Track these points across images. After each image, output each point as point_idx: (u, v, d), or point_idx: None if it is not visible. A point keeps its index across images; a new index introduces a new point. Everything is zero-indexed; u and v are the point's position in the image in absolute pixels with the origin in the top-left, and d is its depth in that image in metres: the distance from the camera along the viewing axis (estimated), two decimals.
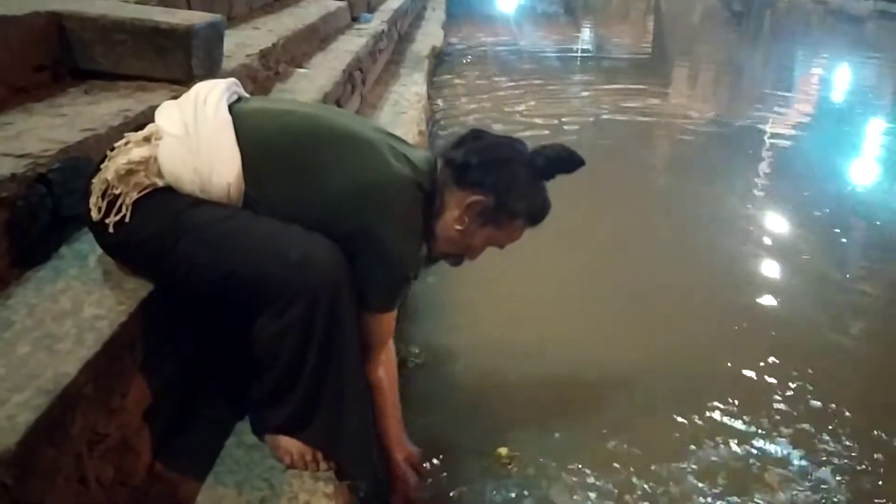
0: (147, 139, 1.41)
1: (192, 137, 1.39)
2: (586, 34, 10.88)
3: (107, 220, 1.37)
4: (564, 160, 1.59)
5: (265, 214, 1.41)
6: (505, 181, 1.54)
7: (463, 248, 1.63)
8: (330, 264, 1.37)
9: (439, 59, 7.20)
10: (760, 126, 5.49)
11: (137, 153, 1.38)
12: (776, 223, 3.78)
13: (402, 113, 4.30)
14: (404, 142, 1.64)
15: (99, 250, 1.48)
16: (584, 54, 9.11)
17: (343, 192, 1.42)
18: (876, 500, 1.85)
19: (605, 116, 5.50)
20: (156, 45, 2.19)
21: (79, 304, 1.32)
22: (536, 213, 1.61)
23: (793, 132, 5.42)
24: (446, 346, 2.45)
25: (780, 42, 10.35)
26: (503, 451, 1.93)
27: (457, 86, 6.47)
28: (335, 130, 1.50)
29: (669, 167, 4.87)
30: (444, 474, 1.86)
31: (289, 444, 1.49)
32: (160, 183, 1.38)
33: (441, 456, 1.91)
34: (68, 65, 2.17)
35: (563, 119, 5.25)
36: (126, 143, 1.42)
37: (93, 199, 1.39)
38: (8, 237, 1.41)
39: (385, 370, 1.64)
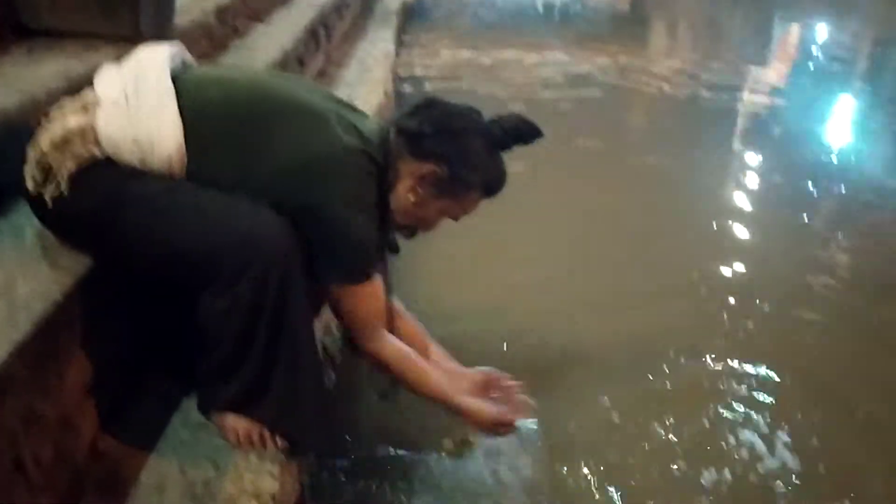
0: (84, 107, 1.35)
1: (133, 106, 1.33)
2: None
3: (43, 193, 1.32)
4: (522, 131, 1.55)
5: (209, 188, 1.36)
6: (460, 152, 1.50)
7: (417, 219, 1.59)
8: (278, 238, 1.33)
9: (409, 14, 7.06)
10: (737, 87, 5.48)
11: (74, 121, 1.32)
12: (751, 187, 3.79)
13: (368, 72, 4.21)
14: (356, 110, 1.59)
15: (36, 223, 1.42)
16: (561, 10, 8.97)
17: (288, 166, 1.38)
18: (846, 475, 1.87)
19: (580, 75, 5.43)
20: (102, 2, 2.10)
21: (11, 282, 1.27)
22: (492, 184, 1.58)
23: (770, 93, 5.42)
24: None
25: (759, 2, 10.28)
26: (447, 442, 1.89)
27: (427, 43, 6.35)
28: (280, 100, 1.45)
29: (645, 129, 4.87)
30: (406, 452, 1.85)
31: (235, 422, 1.47)
32: (98, 153, 1.32)
33: (396, 437, 1.89)
34: (11, 22, 2.08)
35: (538, 80, 5.18)
36: (61, 110, 1.36)
37: (28, 170, 1.33)
38: None
39: (396, 340, 1.61)
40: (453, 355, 1.82)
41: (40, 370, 1.22)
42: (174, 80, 1.40)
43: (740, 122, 4.82)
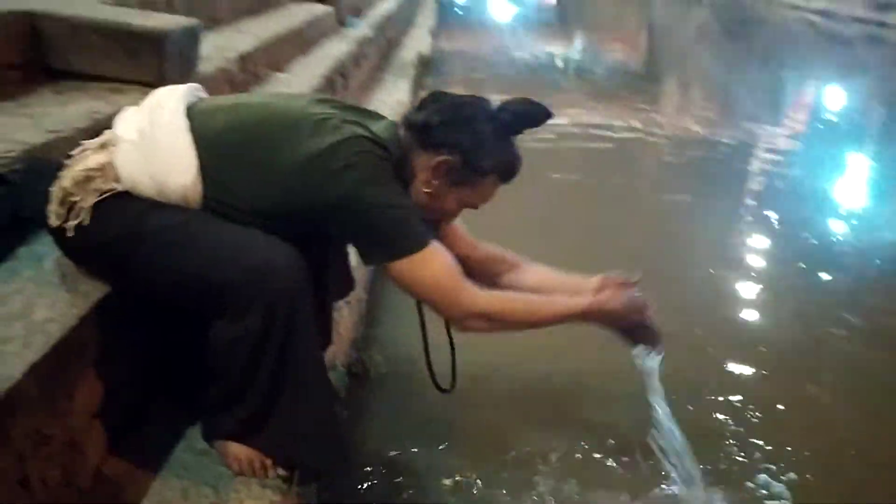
0: (104, 146, 1.43)
1: (148, 143, 1.41)
2: (579, 45, 10.87)
3: (66, 225, 1.38)
4: (530, 113, 1.57)
5: (229, 211, 1.42)
6: (469, 138, 1.52)
7: (437, 212, 1.61)
8: (288, 272, 1.38)
9: (426, 66, 7.22)
10: (749, 146, 5.52)
11: (94, 160, 1.40)
12: (759, 245, 3.80)
13: None
14: (367, 112, 1.61)
15: (57, 252, 1.49)
16: (576, 65, 9.11)
17: (300, 166, 1.41)
18: None
19: (592, 130, 5.46)
20: (128, 48, 2.20)
21: (30, 307, 1.33)
22: (506, 168, 1.59)
23: (781, 153, 5.47)
24: (413, 356, 2.45)
25: (771, 61, 10.42)
26: (447, 482, 1.91)
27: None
28: (286, 114, 1.50)
29: (654, 184, 4.85)
30: (402, 495, 1.87)
31: (238, 450, 1.51)
32: (118, 187, 1.39)
33: (399, 475, 1.92)
34: (41, 64, 2.18)
35: (551, 132, 5.20)
36: (83, 151, 1.43)
37: (51, 206, 1.40)
38: None
39: (484, 289, 1.58)
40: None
41: (52, 391, 1.27)
42: (188, 116, 1.47)
43: (750, 179, 4.87)
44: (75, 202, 1.37)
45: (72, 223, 1.37)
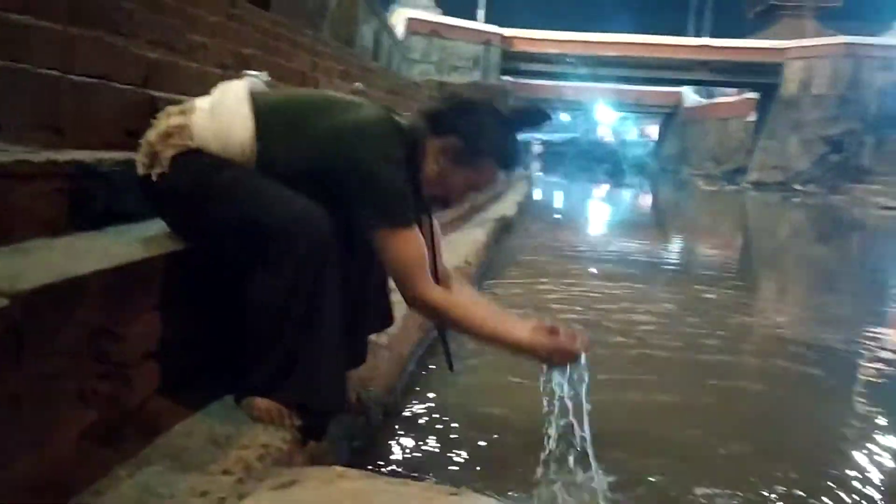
0: (183, 112, 1.80)
1: (218, 108, 1.78)
2: (671, 243, 10.71)
3: (150, 174, 1.73)
4: (531, 112, 1.89)
5: (273, 167, 1.73)
6: (472, 124, 1.82)
7: (445, 189, 1.88)
8: (320, 224, 1.65)
9: (506, 229, 7.53)
10: (853, 353, 4.36)
11: (175, 120, 1.77)
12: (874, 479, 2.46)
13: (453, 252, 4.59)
14: (393, 109, 1.94)
15: (139, 229, 1.81)
16: (666, 261, 8.55)
17: (328, 135, 1.74)
18: None
19: (687, 330, 4.63)
20: None
21: (108, 247, 1.62)
22: (504, 155, 1.87)
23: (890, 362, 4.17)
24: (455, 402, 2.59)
25: (868, 264, 9.75)
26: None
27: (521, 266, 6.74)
28: (329, 99, 1.88)
29: (750, 385, 3.64)
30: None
31: (261, 402, 1.71)
32: (191, 144, 1.74)
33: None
34: None
35: (633, 327, 4.51)
36: (167, 115, 1.81)
37: (139, 157, 1.77)
38: (68, 202, 1.76)
39: (450, 291, 1.88)
40: None
41: (112, 303, 1.51)
42: (255, 95, 1.83)
43: (857, 398, 3.54)
44: (157, 153, 1.72)
45: (156, 171, 1.72)
